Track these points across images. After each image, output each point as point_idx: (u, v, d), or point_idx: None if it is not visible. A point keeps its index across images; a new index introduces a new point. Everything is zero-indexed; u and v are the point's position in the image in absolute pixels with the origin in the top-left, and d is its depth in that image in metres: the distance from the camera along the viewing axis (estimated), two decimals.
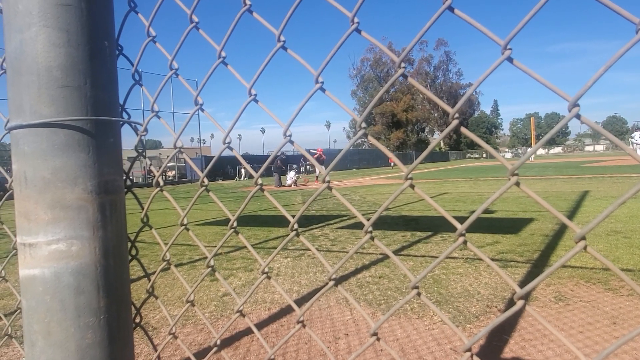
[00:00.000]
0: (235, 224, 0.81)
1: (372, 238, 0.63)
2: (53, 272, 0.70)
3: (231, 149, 0.81)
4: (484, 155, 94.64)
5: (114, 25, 0.79)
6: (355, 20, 0.56)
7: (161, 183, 0.88)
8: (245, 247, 6.41)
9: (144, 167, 31.98)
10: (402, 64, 0.55)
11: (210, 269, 0.85)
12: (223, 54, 0.76)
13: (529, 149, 0.59)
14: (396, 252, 5.51)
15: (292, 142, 0.69)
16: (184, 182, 33.20)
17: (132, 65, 0.87)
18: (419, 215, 8.78)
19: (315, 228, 7.74)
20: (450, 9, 0.48)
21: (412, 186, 0.56)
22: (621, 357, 2.59)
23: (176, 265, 5.46)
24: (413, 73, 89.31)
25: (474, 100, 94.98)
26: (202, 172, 0.84)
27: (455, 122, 0.50)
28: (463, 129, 0.52)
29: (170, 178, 35.34)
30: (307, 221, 8.58)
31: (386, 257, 5.31)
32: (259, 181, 0.74)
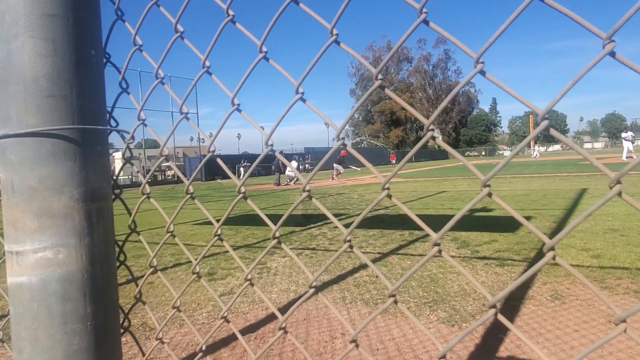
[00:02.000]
0: (219, 232, 0.82)
1: (350, 247, 0.64)
2: (40, 279, 0.71)
3: (216, 157, 0.82)
4: (483, 153, 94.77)
5: (101, 34, 0.80)
6: (335, 32, 0.57)
7: (148, 190, 0.89)
8: (243, 246, 6.42)
9: (137, 170, 32.15)
10: (380, 76, 0.55)
11: (195, 275, 0.86)
12: (207, 63, 0.77)
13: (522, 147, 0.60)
14: (393, 251, 5.52)
15: (273, 152, 0.70)
16: (179, 181, 33.17)
17: (120, 72, 0.87)
18: (416, 214, 8.78)
19: (314, 227, 7.75)
20: (425, 22, 0.49)
21: (389, 196, 0.57)
22: (617, 356, 2.60)
23: (175, 265, 5.47)
24: (412, 71, 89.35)
25: (473, 99, 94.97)
26: (198, 174, 0.85)
27: (430, 134, 0.51)
28: (439, 140, 0.53)
29: (169, 177, 35.32)
30: (305, 220, 8.59)
31: (383, 256, 5.32)
32: (242, 189, 0.75)
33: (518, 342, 2.81)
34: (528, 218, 7.39)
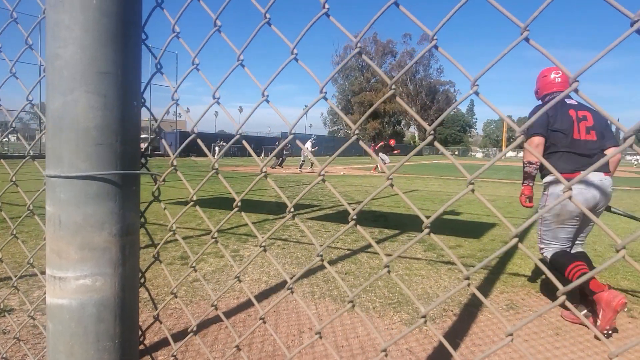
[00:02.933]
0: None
1: (293, 216, 0.80)
2: (79, 303, 0.81)
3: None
4: (456, 152, 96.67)
5: (141, 84, 0.89)
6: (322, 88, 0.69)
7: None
8: (218, 230, 6.49)
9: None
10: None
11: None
12: (217, 94, 0.90)
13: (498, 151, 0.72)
14: (363, 249, 5.71)
15: (265, 178, 0.82)
16: (156, 156, 32.67)
17: (155, 120, 0.97)
18: (389, 211, 9.02)
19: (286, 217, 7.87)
20: (435, 47, 0.62)
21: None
22: None
23: (148, 246, 5.50)
24: (394, 65, 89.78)
25: (451, 98, 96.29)
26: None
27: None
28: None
29: (142, 150, 34.63)
30: (278, 208, 8.69)
31: (353, 253, 5.51)
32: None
33: (472, 348, 3.03)
34: (493, 225, 7.72)
